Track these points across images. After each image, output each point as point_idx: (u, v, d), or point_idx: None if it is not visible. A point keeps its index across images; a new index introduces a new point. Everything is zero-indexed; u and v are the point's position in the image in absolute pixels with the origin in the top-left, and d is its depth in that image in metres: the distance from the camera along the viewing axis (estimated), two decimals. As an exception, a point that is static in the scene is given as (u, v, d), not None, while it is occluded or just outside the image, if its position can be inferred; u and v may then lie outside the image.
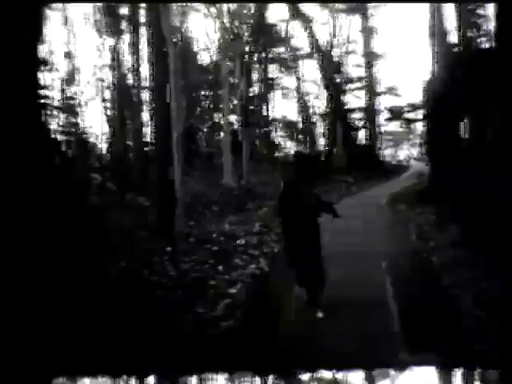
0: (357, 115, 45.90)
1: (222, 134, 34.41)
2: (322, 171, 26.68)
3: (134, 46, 26.99)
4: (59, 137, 20.92)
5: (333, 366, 5.52)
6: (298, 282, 8.32)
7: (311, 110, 43.86)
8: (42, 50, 18.89)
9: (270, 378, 4.26)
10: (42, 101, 11.69)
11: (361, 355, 6.37)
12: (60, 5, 31.45)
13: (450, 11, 25.24)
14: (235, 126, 34.75)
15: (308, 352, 6.59)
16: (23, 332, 6.68)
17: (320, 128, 45.34)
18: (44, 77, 30.22)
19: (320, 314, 7.81)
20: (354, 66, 45.46)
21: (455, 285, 9.05)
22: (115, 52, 29.92)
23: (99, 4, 30.10)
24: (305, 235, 7.99)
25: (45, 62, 24.82)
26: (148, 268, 10.60)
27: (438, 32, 21.29)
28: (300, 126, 45.21)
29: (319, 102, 46.26)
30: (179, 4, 31.40)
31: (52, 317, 7.08)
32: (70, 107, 29.62)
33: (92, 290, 8.32)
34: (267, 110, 45.42)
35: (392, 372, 4.53)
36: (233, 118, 35.44)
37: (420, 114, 37.57)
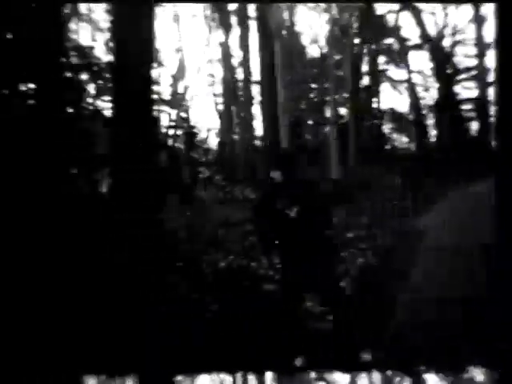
0: (467, 106, 44.78)
1: (328, 127, 34.26)
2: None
3: (243, 41, 27.12)
4: (168, 131, 21.26)
5: (444, 363, 5.40)
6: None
7: (421, 102, 43.04)
8: (154, 47, 19.29)
9: (388, 374, 4.18)
10: (154, 96, 11.96)
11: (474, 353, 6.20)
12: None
13: None
14: (342, 119, 34.51)
15: (419, 348, 6.47)
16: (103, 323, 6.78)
17: (430, 120, 44.46)
18: (155, 73, 30.79)
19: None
20: (464, 56, 44.35)
21: None
22: (224, 47, 30.15)
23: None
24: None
25: (156, 59, 25.28)
26: (255, 261, 10.64)
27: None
28: (410, 118, 44.42)
29: (429, 94, 45.40)
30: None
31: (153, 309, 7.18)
32: (178, 102, 30.02)
33: (202, 284, 8.42)
34: (377, 103, 44.82)
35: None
36: (340, 110, 35.20)
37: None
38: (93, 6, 19.12)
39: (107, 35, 18.78)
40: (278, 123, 15.65)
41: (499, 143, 10.40)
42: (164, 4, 29.16)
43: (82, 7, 18.59)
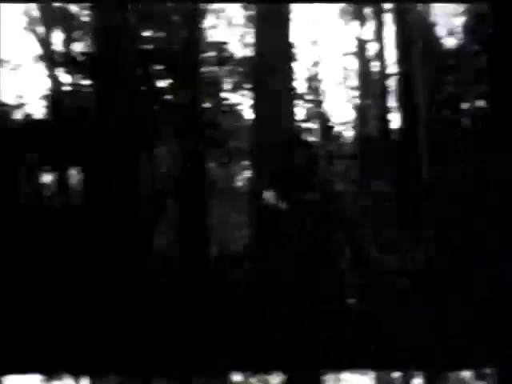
0: None
1: (465, 119, 33.53)
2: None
3: (379, 34, 26.82)
4: (304, 125, 21.36)
5: None
6: None
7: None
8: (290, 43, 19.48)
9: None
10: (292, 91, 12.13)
11: None
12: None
13: None
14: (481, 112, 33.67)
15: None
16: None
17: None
18: (292, 67, 30.93)
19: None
20: None
21: None
22: (360, 40, 29.94)
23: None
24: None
25: (292, 54, 25.51)
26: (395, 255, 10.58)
27: None
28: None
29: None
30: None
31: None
32: (314, 95, 30.05)
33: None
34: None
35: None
36: (478, 102, 34.39)
37: None
38: (228, 5, 19.39)
39: (243, 31, 18.98)
40: (415, 116, 15.43)
41: (496, 139, 10.12)
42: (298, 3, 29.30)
43: (218, 5, 18.89)
